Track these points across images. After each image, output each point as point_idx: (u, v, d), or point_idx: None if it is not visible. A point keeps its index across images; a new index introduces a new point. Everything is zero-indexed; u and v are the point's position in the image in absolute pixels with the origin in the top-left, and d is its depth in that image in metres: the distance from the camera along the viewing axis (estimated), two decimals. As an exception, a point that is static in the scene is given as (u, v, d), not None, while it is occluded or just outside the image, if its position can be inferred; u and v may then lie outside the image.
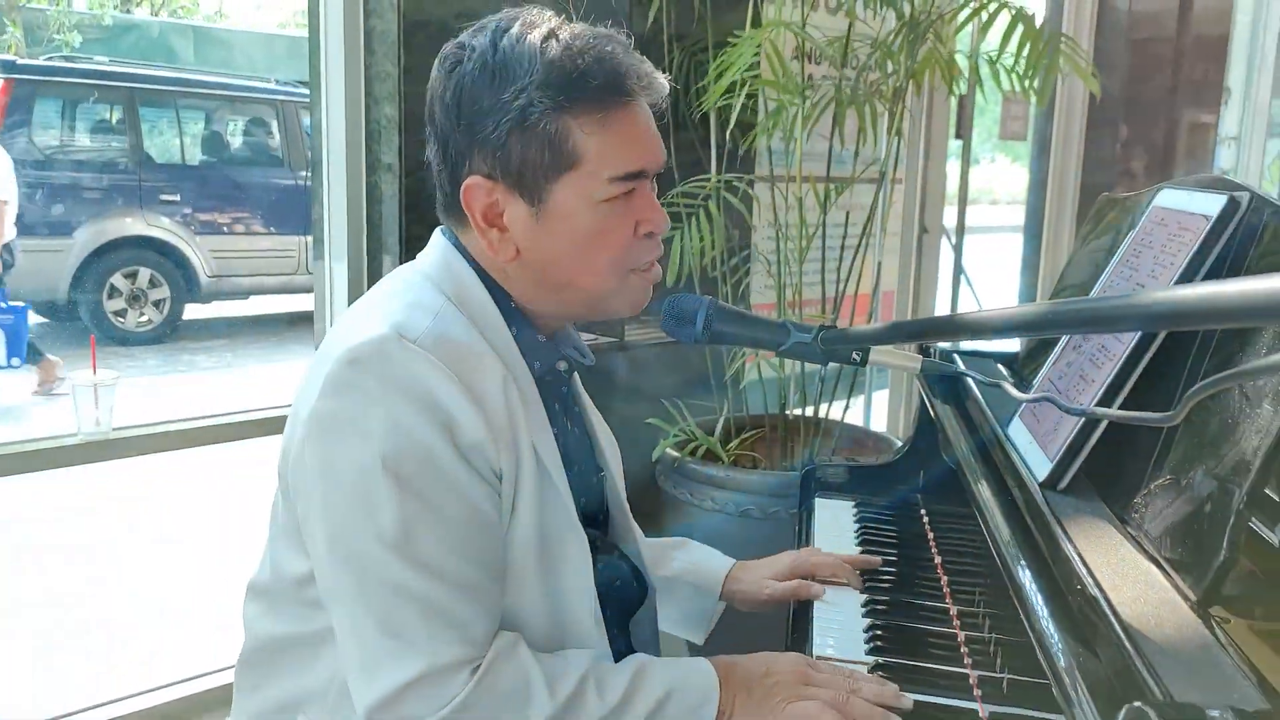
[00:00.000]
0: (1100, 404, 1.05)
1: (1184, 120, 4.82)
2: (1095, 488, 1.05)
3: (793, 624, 1.36)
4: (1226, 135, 4.52)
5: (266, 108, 8.41)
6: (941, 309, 4.27)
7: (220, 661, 2.38)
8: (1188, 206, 1.11)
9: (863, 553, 1.47)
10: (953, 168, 4.10)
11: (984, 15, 2.42)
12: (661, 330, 1.20)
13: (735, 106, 2.34)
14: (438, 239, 1.18)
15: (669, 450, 2.63)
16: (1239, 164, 4.48)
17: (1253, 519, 0.82)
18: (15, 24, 10.28)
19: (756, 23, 2.54)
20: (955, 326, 1.06)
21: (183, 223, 7.72)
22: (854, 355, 1.16)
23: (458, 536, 1.03)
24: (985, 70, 2.50)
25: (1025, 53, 2.36)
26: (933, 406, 1.54)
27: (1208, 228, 1.02)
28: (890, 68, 2.50)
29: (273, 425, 2.42)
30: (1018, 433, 1.22)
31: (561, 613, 1.13)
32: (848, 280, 2.70)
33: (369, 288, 1.45)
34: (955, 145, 4.10)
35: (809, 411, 2.76)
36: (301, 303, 8.22)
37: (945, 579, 1.36)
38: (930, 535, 1.51)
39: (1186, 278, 1.01)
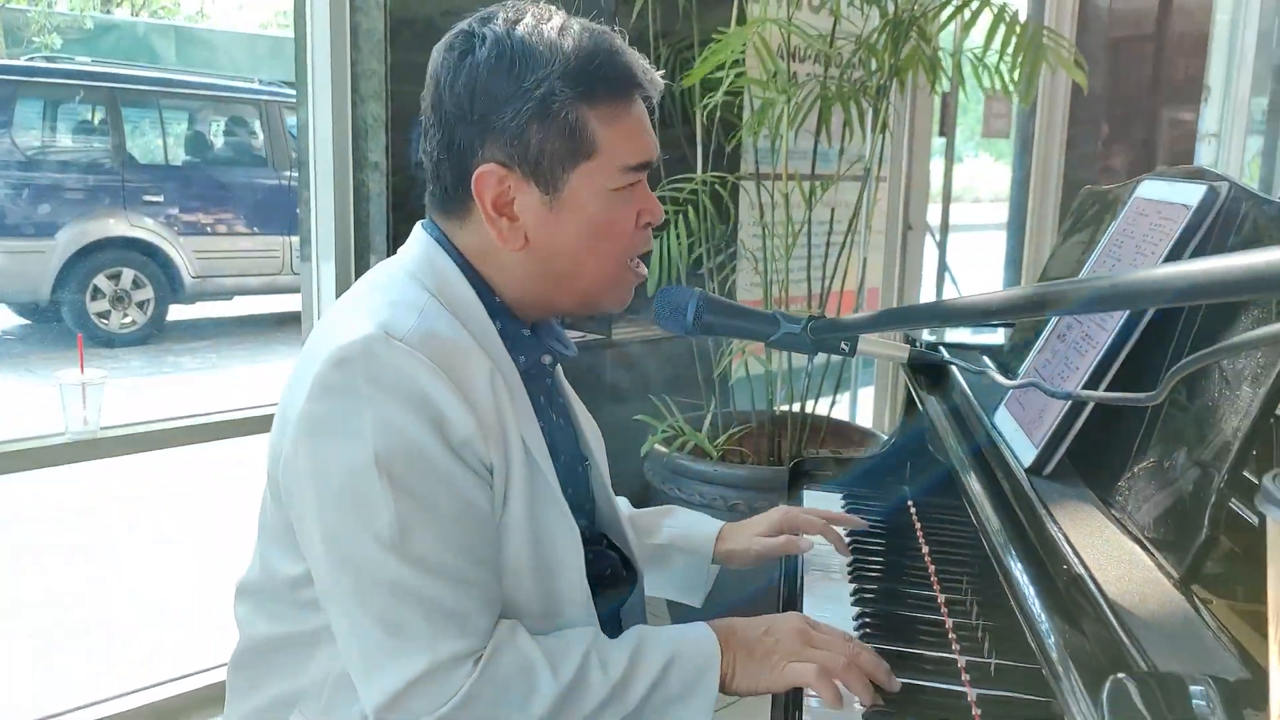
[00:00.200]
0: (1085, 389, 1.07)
1: (1164, 117, 4.87)
2: (1080, 473, 1.07)
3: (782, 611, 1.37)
4: (1207, 132, 4.56)
5: (250, 108, 8.38)
6: (926, 306, 4.28)
7: (218, 659, 2.38)
8: (1169, 197, 1.13)
9: (851, 544, 1.49)
10: (936, 165, 4.13)
11: (966, 13, 2.45)
12: (653, 321, 1.22)
13: (718, 96, 2.36)
14: (419, 233, 1.19)
15: (657, 446, 2.65)
16: (1219, 161, 4.52)
17: (1233, 500, 0.84)
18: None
19: (742, 20, 2.56)
20: (945, 311, 1.07)
21: (166, 223, 7.68)
22: (842, 345, 1.18)
23: (453, 532, 1.04)
24: (969, 68, 2.52)
25: (1009, 50, 2.38)
26: (919, 397, 1.55)
27: (1188, 216, 1.04)
28: (874, 65, 2.53)
29: (262, 424, 2.42)
30: (1003, 421, 1.23)
31: (555, 604, 1.14)
32: (833, 277, 2.73)
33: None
34: (939, 143, 4.13)
35: (796, 408, 2.78)
36: (286, 303, 8.20)
37: (933, 567, 1.38)
38: (918, 525, 1.53)
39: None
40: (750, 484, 2.51)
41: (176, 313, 8.02)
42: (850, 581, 1.39)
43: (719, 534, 1.46)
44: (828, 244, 2.72)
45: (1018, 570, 0.90)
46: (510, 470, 1.09)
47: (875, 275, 3.85)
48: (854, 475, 1.75)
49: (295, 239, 7.79)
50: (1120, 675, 0.64)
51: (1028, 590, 0.86)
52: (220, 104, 8.46)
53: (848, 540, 1.50)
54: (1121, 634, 0.72)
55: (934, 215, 4.15)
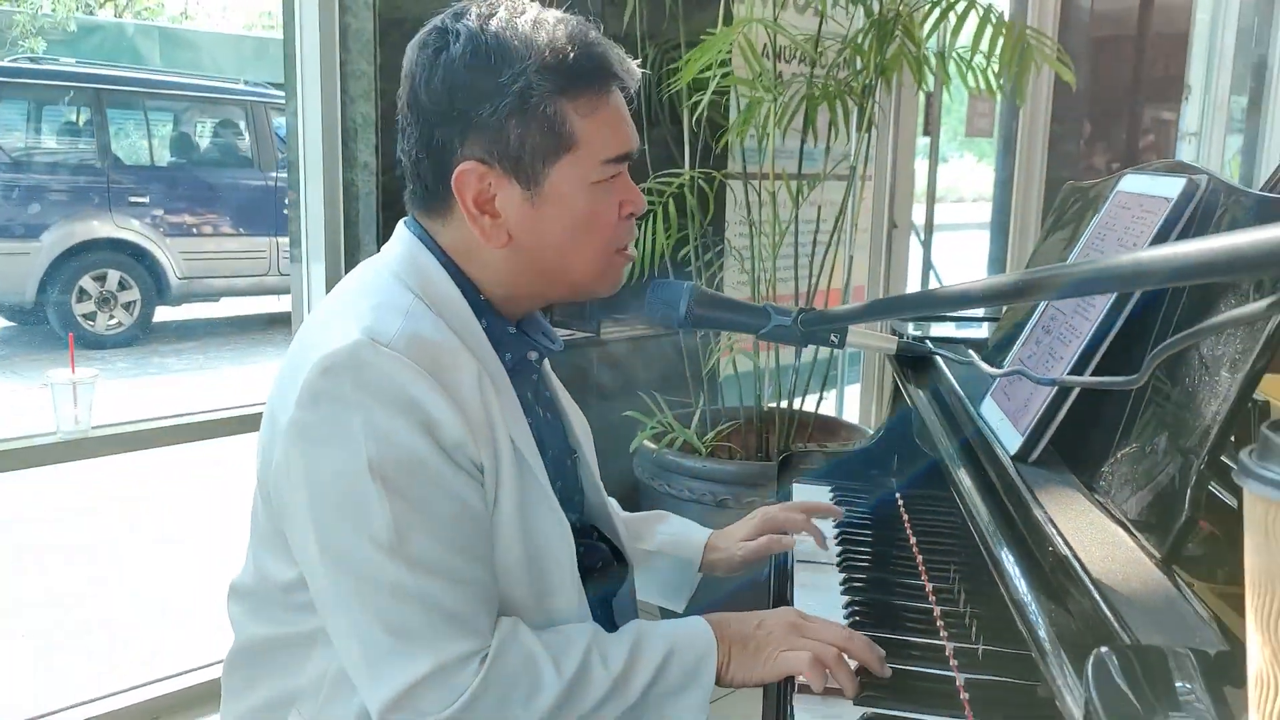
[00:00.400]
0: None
1: (1146, 116, 4.91)
2: (1065, 459, 1.09)
3: (773, 605, 1.39)
4: (1187, 131, 4.61)
5: (235, 109, 8.35)
6: (911, 304, 4.31)
7: (218, 657, 2.39)
8: (1150, 190, 1.16)
9: (840, 537, 1.51)
10: (920, 165, 4.16)
11: (953, 16, 2.47)
12: (645, 315, 1.23)
13: (706, 94, 2.38)
14: (402, 232, 1.18)
15: (646, 442, 2.67)
16: (1200, 159, 4.57)
17: (1213, 483, 0.86)
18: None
19: (728, 21, 2.58)
20: (934, 300, 1.10)
21: (152, 225, 7.65)
22: (832, 337, 1.20)
23: (449, 532, 1.04)
24: (954, 68, 2.55)
25: (997, 51, 2.41)
26: (906, 389, 1.58)
27: (1169, 208, 1.07)
28: (860, 64, 2.55)
29: (255, 422, 2.42)
30: (989, 410, 1.26)
31: (547, 598, 1.14)
32: (820, 275, 2.75)
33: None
34: (923, 143, 4.16)
35: (784, 404, 2.81)
36: (274, 304, 8.18)
37: (920, 557, 1.40)
38: (905, 515, 1.55)
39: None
40: (738, 479, 2.53)
41: (163, 314, 7.99)
42: (839, 571, 1.41)
43: (707, 543, 1.48)
44: (814, 242, 2.75)
45: (1004, 554, 0.93)
46: (500, 469, 1.09)
47: (861, 274, 3.88)
48: (842, 467, 1.77)
49: (282, 240, 7.78)
50: (1103, 649, 0.66)
51: (1013, 570, 0.88)
52: (206, 105, 8.43)
53: (836, 531, 1.52)
54: (1106, 610, 0.74)
55: (919, 214, 4.18)
